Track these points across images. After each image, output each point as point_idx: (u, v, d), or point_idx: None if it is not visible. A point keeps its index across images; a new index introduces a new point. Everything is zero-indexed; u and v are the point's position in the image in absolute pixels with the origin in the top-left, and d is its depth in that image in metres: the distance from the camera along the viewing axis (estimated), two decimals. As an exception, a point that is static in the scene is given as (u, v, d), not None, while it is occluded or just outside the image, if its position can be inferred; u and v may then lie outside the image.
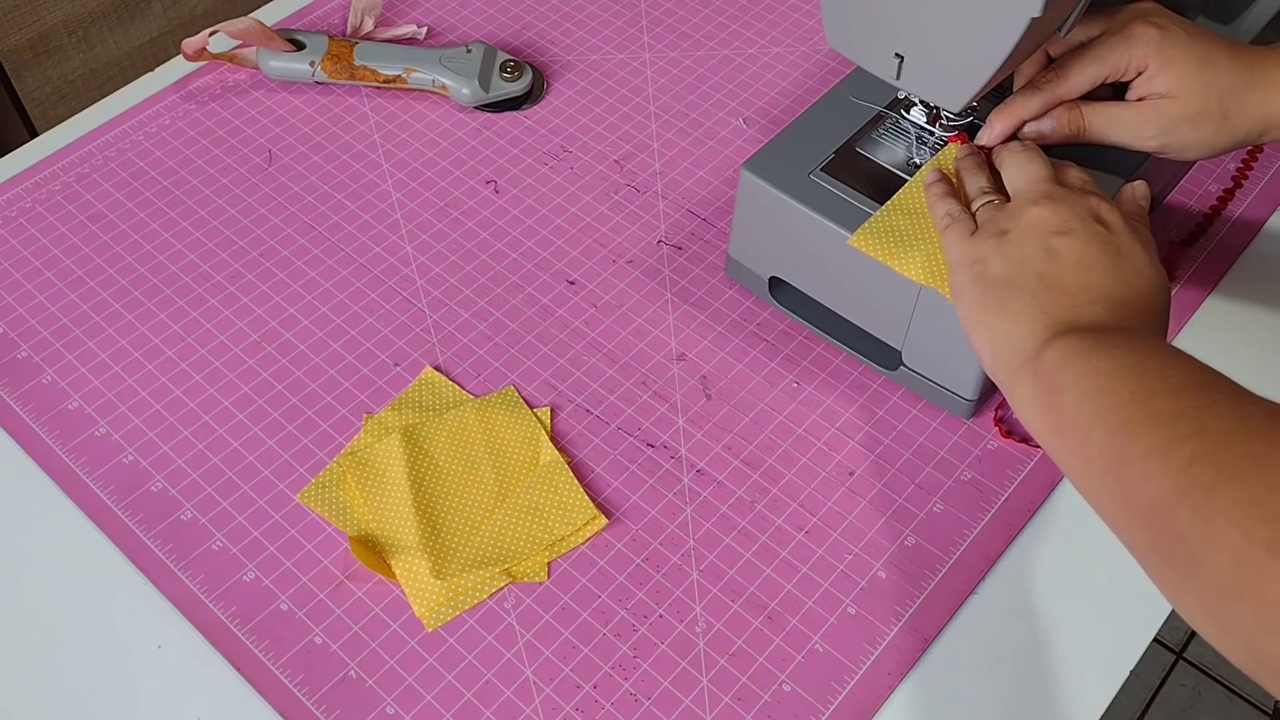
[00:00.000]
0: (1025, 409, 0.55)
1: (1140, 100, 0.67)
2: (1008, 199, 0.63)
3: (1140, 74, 0.66)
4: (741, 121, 0.89)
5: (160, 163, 0.86)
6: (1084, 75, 0.67)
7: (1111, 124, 0.67)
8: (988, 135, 0.69)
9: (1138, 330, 0.55)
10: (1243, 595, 0.42)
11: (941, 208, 0.65)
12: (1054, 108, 0.68)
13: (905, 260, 0.65)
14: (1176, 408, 0.47)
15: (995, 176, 0.66)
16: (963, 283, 0.60)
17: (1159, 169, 0.77)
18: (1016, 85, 0.70)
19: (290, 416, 0.72)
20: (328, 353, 0.75)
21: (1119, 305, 0.56)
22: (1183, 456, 0.45)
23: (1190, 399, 0.47)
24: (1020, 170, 0.63)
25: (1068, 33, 0.66)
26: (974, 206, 0.64)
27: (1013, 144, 0.66)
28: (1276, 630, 0.41)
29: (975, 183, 0.66)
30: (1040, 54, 0.71)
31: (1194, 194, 0.84)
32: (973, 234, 0.62)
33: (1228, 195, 0.84)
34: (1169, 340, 0.74)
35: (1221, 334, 0.77)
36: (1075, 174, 0.63)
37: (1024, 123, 0.69)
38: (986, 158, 0.68)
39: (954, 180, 0.68)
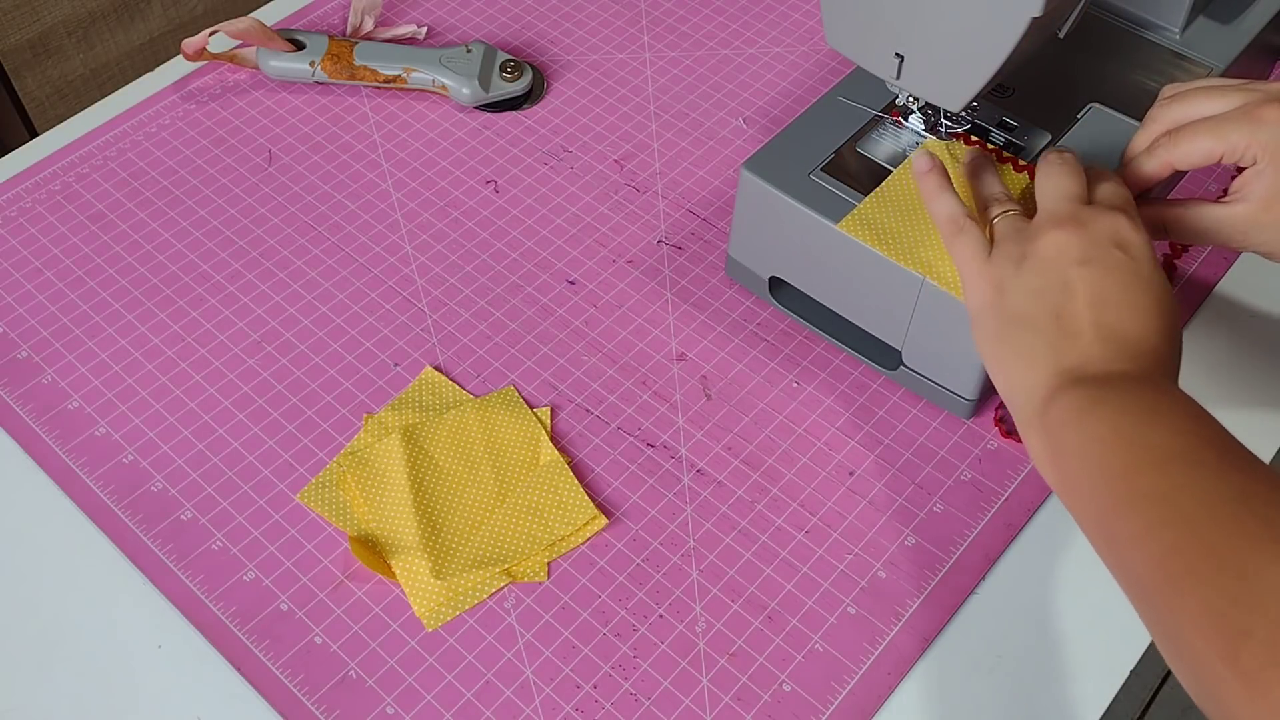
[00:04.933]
0: (1037, 461, 0.55)
1: (1228, 199, 0.61)
2: (1022, 209, 0.62)
3: (1252, 165, 0.60)
4: (741, 121, 0.89)
5: (160, 163, 0.86)
6: (1197, 146, 0.61)
7: (1202, 223, 0.62)
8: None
9: (1148, 372, 0.54)
10: (1213, 698, 0.44)
11: (943, 208, 0.63)
12: (1168, 173, 0.63)
13: (893, 247, 0.66)
14: (1158, 487, 0.48)
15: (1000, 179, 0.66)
16: (979, 309, 0.59)
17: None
18: (1127, 155, 0.65)
19: (290, 416, 0.72)
20: (328, 353, 0.75)
21: (1133, 343, 0.55)
22: (1162, 545, 0.46)
23: (1171, 475, 0.48)
24: (1052, 184, 0.61)
25: (1067, 33, 0.66)
26: (992, 214, 0.62)
27: (1051, 155, 0.63)
28: None
29: (990, 187, 0.64)
30: (1164, 124, 0.65)
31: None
32: (989, 252, 0.60)
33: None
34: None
35: (1222, 334, 0.77)
36: (1110, 188, 0.61)
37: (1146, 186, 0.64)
38: (996, 156, 0.67)
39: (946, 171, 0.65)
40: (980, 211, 0.64)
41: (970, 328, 0.60)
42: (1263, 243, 0.61)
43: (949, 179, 0.64)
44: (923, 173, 0.65)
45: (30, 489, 0.69)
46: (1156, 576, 0.46)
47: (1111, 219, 0.58)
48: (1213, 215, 0.62)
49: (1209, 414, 0.51)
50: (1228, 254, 0.81)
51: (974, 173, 0.66)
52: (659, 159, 0.87)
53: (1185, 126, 0.62)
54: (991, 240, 0.61)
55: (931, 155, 0.65)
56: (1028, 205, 0.67)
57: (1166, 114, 0.64)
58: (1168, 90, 0.66)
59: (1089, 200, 0.60)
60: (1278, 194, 0.60)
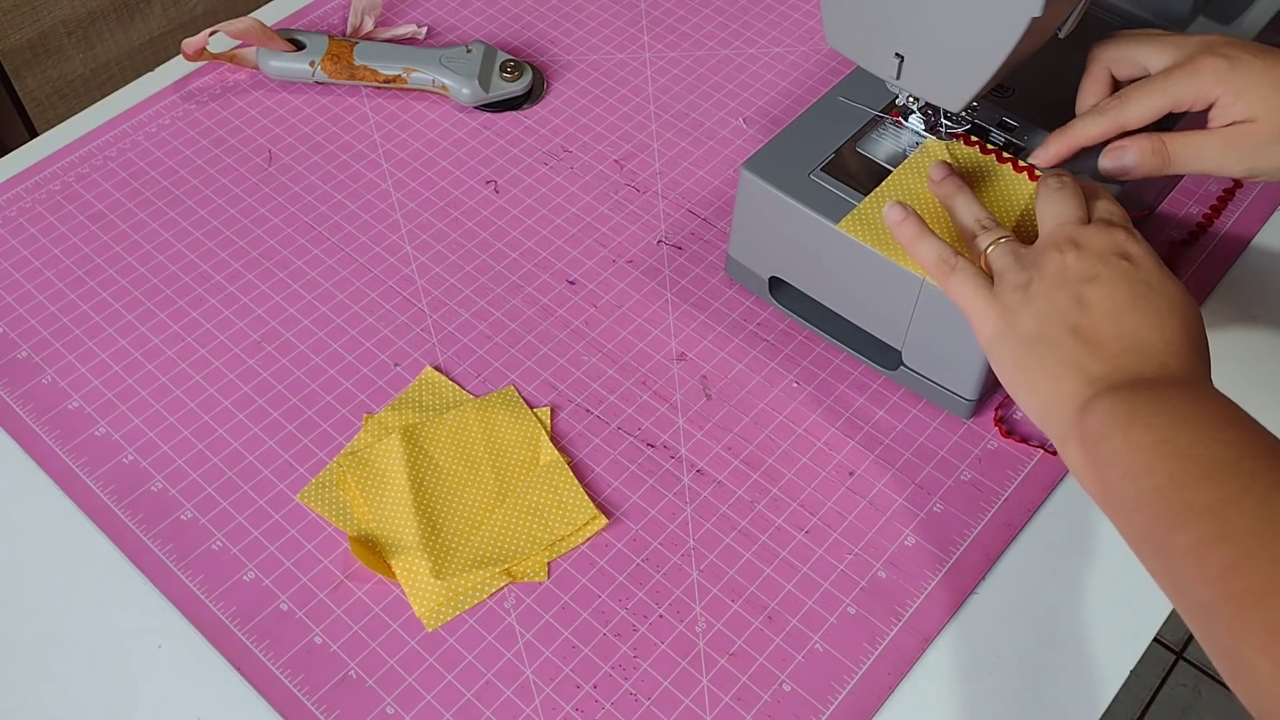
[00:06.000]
0: (1077, 475, 0.55)
1: (1221, 128, 0.64)
2: (1007, 229, 0.62)
3: (1211, 105, 0.64)
4: (741, 121, 0.89)
5: (160, 163, 0.86)
6: (1147, 105, 0.65)
7: (1196, 154, 0.65)
8: (1043, 156, 0.68)
9: (1177, 377, 0.54)
10: (1276, 717, 0.43)
11: (929, 251, 0.63)
12: (1116, 136, 0.66)
13: (893, 247, 0.66)
14: (1207, 500, 0.47)
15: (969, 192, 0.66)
16: (992, 340, 0.59)
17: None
18: (1080, 109, 0.69)
19: (290, 416, 0.72)
20: (328, 353, 0.75)
21: (1157, 348, 0.55)
22: (1217, 562, 0.46)
23: (1219, 488, 0.48)
24: (1050, 210, 0.61)
25: (1067, 33, 0.66)
26: (982, 245, 0.62)
27: (1050, 179, 0.63)
28: None
29: (970, 214, 0.64)
30: (1105, 77, 0.70)
31: (1194, 193, 0.84)
32: (990, 284, 0.60)
33: (1228, 195, 0.84)
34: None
35: (1225, 332, 0.77)
36: (1106, 205, 0.62)
37: (1081, 148, 0.68)
38: (960, 173, 0.67)
39: (916, 209, 0.66)
40: (968, 240, 0.64)
41: (989, 360, 0.60)
42: (1258, 167, 0.64)
43: (924, 223, 0.64)
44: (897, 223, 0.65)
45: (30, 489, 0.69)
46: (1215, 593, 0.45)
47: (1110, 235, 0.58)
48: (1209, 146, 0.65)
49: (1251, 417, 0.51)
50: (1230, 252, 0.81)
51: (952, 198, 0.66)
52: (659, 159, 0.87)
53: (1132, 88, 0.66)
54: (988, 269, 0.61)
55: (902, 205, 0.65)
56: (1026, 214, 0.67)
57: (1105, 53, 0.69)
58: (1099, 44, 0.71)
59: (1087, 220, 0.61)
60: (1251, 114, 0.63)
